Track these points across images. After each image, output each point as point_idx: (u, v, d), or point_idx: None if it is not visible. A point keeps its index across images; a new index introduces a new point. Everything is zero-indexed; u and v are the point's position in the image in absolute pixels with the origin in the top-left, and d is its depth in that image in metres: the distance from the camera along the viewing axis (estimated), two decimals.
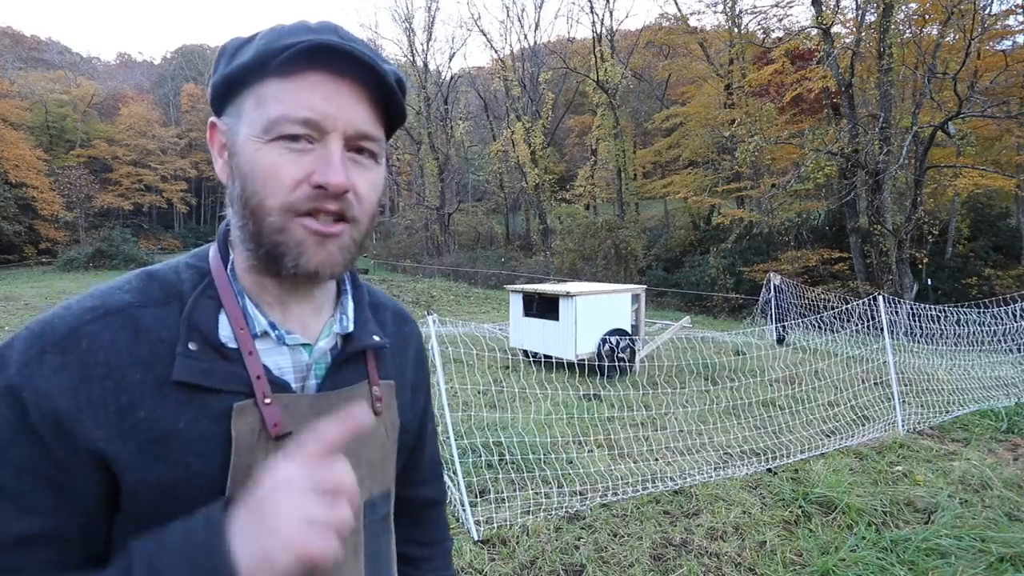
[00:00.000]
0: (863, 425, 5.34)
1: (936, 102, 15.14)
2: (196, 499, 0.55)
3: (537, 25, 60.79)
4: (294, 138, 0.56)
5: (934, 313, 7.39)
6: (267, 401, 0.59)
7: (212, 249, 0.65)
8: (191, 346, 0.57)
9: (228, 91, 0.60)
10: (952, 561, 2.97)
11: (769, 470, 4.34)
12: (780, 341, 10.11)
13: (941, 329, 7.62)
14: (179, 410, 0.56)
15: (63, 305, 0.57)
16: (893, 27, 15.35)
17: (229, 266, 0.63)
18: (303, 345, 0.65)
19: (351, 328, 0.69)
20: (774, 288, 10.97)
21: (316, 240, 0.58)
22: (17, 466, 0.52)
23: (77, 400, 0.53)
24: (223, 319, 0.61)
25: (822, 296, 10.95)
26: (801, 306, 10.83)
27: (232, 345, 0.60)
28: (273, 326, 0.63)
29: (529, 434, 4.63)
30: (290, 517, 0.47)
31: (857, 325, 7.48)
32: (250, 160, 0.57)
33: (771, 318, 10.81)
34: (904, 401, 5.69)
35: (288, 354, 0.64)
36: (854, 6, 17.31)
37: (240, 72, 0.58)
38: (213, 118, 0.63)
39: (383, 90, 0.60)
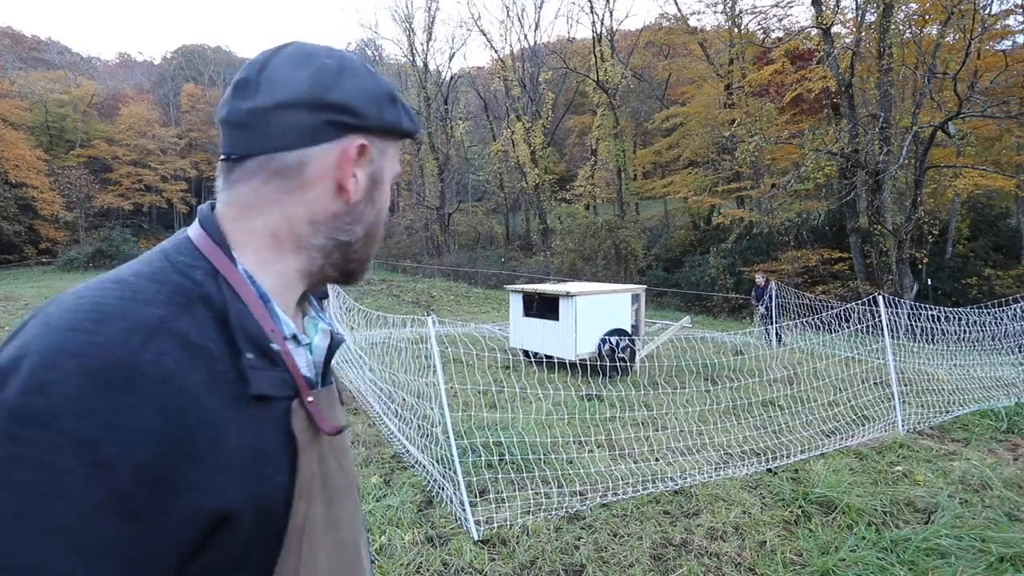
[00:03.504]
0: (863, 425, 5.34)
1: (936, 102, 15.14)
2: (277, 514, 0.55)
3: (537, 25, 60.67)
4: None
5: (934, 313, 7.38)
6: (310, 399, 0.60)
7: (203, 244, 0.59)
8: (249, 355, 0.54)
9: (389, 134, 0.68)
10: (952, 561, 2.97)
11: (769, 470, 4.34)
12: (778, 340, 10.12)
13: (941, 329, 7.62)
14: (255, 426, 0.54)
15: (69, 327, 0.46)
16: (893, 27, 15.35)
17: (240, 265, 0.60)
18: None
19: (332, 326, 0.71)
20: (773, 294, 10.96)
21: None
22: (96, 550, 0.42)
23: (166, 444, 0.45)
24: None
25: (820, 297, 10.95)
26: (798, 307, 10.83)
27: (276, 348, 0.59)
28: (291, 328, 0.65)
29: (529, 434, 4.63)
30: None
31: (857, 325, 7.48)
32: (387, 199, 0.71)
33: (768, 319, 10.81)
34: (904, 401, 5.69)
35: (303, 353, 0.65)
36: (854, 6, 17.33)
37: (404, 132, 0.69)
38: (365, 140, 0.64)
39: None
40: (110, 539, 0.43)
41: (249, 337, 0.55)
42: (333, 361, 0.71)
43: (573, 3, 53.16)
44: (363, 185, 0.65)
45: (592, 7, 28.99)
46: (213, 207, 0.63)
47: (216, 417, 0.50)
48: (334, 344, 0.70)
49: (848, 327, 7.62)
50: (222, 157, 0.63)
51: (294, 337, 0.63)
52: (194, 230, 0.61)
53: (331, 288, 7.93)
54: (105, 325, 0.47)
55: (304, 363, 0.64)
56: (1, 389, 0.44)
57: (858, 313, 6.82)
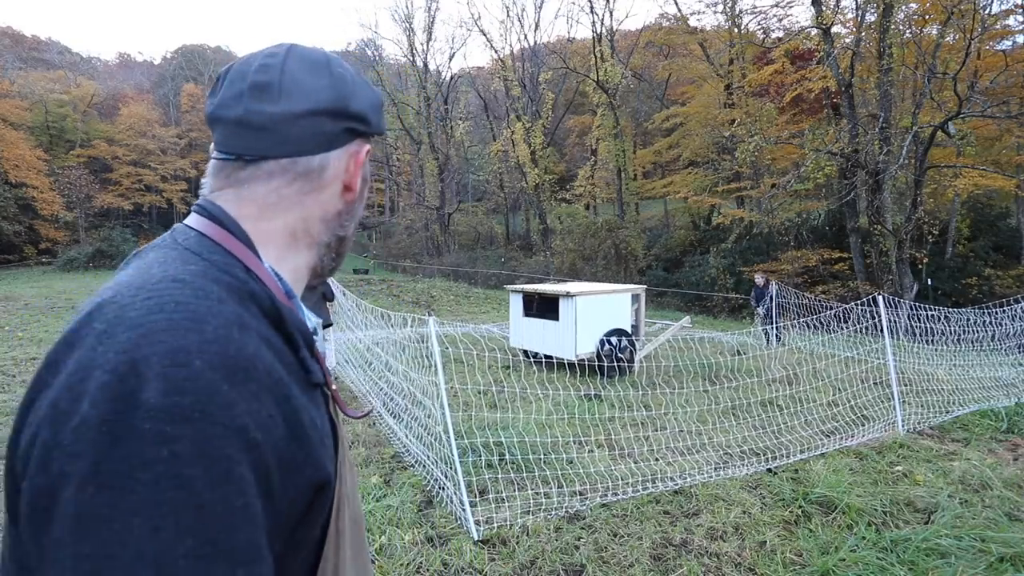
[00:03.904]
0: (863, 425, 5.34)
1: (936, 102, 15.14)
2: (332, 492, 0.59)
3: (537, 25, 60.68)
4: None
5: (934, 313, 7.39)
6: (334, 387, 0.65)
7: (228, 242, 0.59)
8: (304, 348, 0.59)
9: (375, 137, 0.72)
10: (952, 561, 2.97)
11: (769, 470, 4.34)
12: (777, 340, 10.12)
13: (941, 329, 7.62)
14: (321, 410, 0.60)
15: (170, 327, 0.46)
16: (893, 27, 15.36)
17: (266, 263, 0.62)
18: None
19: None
20: (773, 294, 10.96)
21: None
22: (261, 525, 0.46)
23: (284, 427, 0.50)
24: None
25: (820, 297, 10.94)
26: (798, 307, 10.83)
27: (317, 340, 0.65)
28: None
29: (529, 434, 4.63)
30: None
31: (857, 325, 7.48)
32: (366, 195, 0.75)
33: (768, 320, 10.81)
34: (904, 401, 5.69)
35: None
36: (854, 6, 17.34)
37: (383, 133, 0.73)
38: (369, 145, 0.71)
39: None
40: (263, 515, 0.47)
41: (300, 331, 0.59)
42: (330, 359, 0.74)
43: (573, 3, 53.26)
44: (359, 185, 0.70)
45: (592, 7, 29.04)
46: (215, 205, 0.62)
47: (303, 402, 0.54)
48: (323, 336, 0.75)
49: (848, 327, 7.61)
50: (227, 156, 0.63)
51: (314, 330, 0.67)
52: (206, 227, 0.60)
53: (336, 288, 7.94)
54: (203, 323, 0.48)
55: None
56: (135, 394, 0.43)
57: (858, 313, 6.81)
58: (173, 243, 0.58)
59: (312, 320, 0.66)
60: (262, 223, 0.63)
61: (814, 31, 16.97)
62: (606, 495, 3.85)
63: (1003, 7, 19.74)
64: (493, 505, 3.67)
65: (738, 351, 8.74)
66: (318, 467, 0.54)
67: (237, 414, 0.45)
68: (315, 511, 0.56)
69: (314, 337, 0.63)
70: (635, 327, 8.51)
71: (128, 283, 0.52)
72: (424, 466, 4.27)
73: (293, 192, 0.64)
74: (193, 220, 0.61)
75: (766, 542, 3.23)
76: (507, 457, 4.34)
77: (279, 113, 0.61)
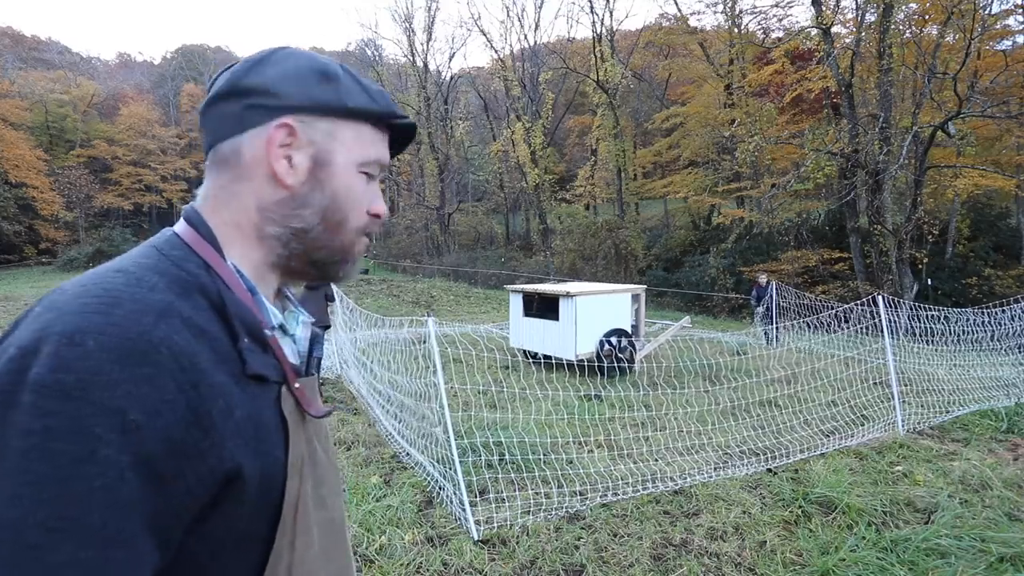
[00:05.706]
0: (863, 425, 5.34)
1: (936, 102, 15.13)
2: (276, 488, 0.59)
3: (537, 25, 60.71)
4: (370, 176, 0.69)
5: (934, 313, 7.38)
6: (297, 385, 0.63)
7: (191, 239, 0.61)
8: (245, 340, 0.59)
9: (332, 113, 0.65)
10: (952, 561, 2.97)
11: (769, 470, 4.34)
12: (776, 340, 10.12)
13: (941, 329, 7.61)
14: (255, 403, 0.58)
15: (82, 310, 0.49)
16: (893, 27, 15.35)
17: (229, 260, 0.63)
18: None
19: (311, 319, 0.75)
20: (773, 294, 10.96)
21: (361, 256, 0.72)
22: (126, 508, 0.46)
23: (182, 412, 0.49)
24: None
25: (820, 297, 10.92)
26: (798, 307, 10.82)
27: (269, 335, 0.63)
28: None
29: (529, 434, 4.63)
30: None
31: (856, 325, 7.47)
32: (346, 184, 0.66)
33: (769, 320, 10.81)
34: (904, 401, 5.69)
35: (289, 343, 0.68)
36: (854, 6, 17.32)
37: (360, 111, 0.66)
38: (291, 120, 0.62)
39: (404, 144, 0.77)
40: (137, 499, 0.47)
41: (244, 323, 0.59)
42: (332, 359, 0.73)
43: (573, 3, 53.31)
44: (303, 168, 0.64)
45: (592, 7, 29.02)
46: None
47: (225, 391, 0.54)
48: (315, 336, 0.74)
49: (848, 327, 7.61)
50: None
51: (281, 327, 0.66)
52: (181, 227, 0.63)
53: (336, 292, 7.91)
54: (117, 307, 0.50)
55: (290, 352, 0.67)
56: (29, 369, 0.46)
57: (858, 313, 6.81)
58: (147, 242, 0.62)
59: (277, 316, 0.66)
60: (215, 217, 0.64)
61: (814, 31, 16.95)
62: (606, 495, 3.85)
63: (1003, 7, 19.71)
64: (493, 505, 3.67)
65: (738, 351, 8.73)
66: (224, 457, 0.52)
67: (118, 395, 0.46)
68: (229, 503, 0.54)
69: (267, 332, 0.62)
70: (635, 327, 8.51)
71: (83, 274, 0.55)
72: (424, 466, 4.27)
73: (224, 182, 0.64)
74: (177, 223, 0.65)
75: (766, 542, 3.23)
76: (507, 457, 4.34)
77: (202, 106, 0.65)
